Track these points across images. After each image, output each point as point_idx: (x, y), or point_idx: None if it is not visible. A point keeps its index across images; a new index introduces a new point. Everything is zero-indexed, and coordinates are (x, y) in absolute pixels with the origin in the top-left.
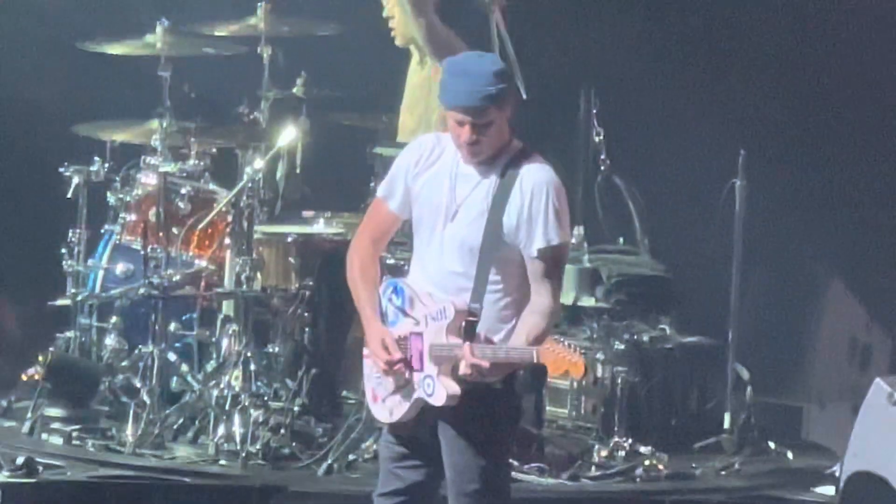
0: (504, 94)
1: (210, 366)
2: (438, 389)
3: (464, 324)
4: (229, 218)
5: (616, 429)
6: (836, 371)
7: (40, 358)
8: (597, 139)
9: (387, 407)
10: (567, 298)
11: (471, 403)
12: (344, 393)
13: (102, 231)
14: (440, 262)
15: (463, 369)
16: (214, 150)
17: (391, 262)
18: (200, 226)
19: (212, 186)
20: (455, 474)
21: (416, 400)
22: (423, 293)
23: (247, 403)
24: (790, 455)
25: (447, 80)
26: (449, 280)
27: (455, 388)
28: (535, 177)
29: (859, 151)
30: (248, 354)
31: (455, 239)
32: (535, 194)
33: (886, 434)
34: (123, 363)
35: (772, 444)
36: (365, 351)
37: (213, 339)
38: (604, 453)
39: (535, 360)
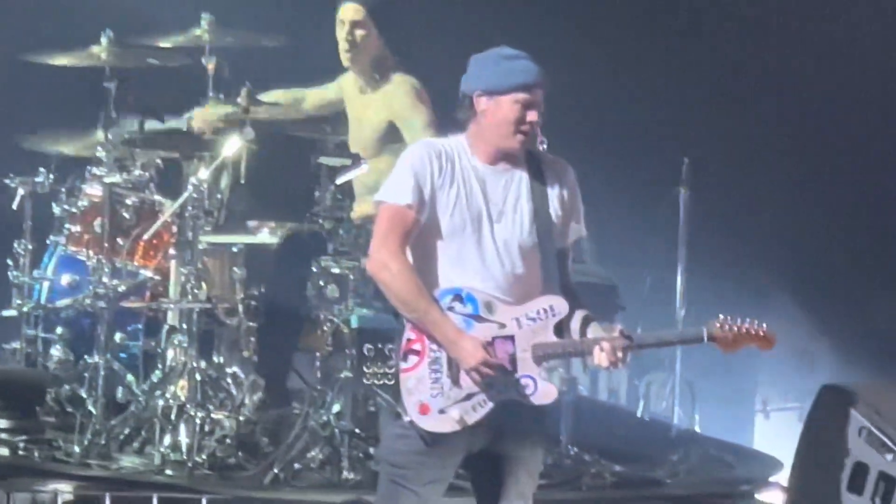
0: None
1: (156, 376)
2: (543, 388)
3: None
4: (174, 228)
5: (561, 437)
6: (781, 378)
7: None
8: (541, 148)
9: (449, 417)
10: None
11: (541, 412)
12: (291, 403)
13: (48, 242)
14: (504, 267)
15: (607, 360)
16: (159, 160)
17: (336, 271)
18: (146, 236)
19: (157, 197)
20: (530, 477)
21: (504, 402)
22: (496, 297)
23: (193, 413)
24: (736, 462)
25: (503, 64)
26: (516, 282)
27: (555, 388)
28: (566, 171)
29: (802, 157)
30: (194, 365)
31: (513, 241)
32: (570, 187)
33: (832, 440)
34: (69, 374)
35: (717, 452)
36: (406, 364)
37: (159, 350)
38: (549, 462)
39: (704, 340)
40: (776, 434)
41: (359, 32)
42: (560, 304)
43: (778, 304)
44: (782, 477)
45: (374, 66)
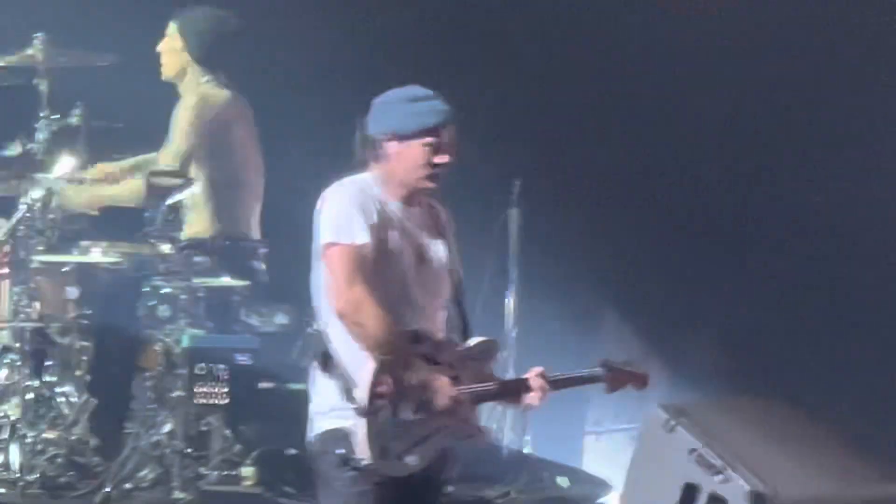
0: None
1: None
2: (482, 429)
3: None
4: (7, 248)
5: None
6: (613, 399)
7: None
8: None
9: (406, 462)
10: None
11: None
12: (122, 423)
13: None
14: (434, 303)
15: (538, 399)
16: None
17: (167, 291)
18: None
19: None
20: None
21: (447, 446)
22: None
23: (24, 432)
24: (566, 484)
25: (409, 107)
26: (439, 319)
27: (490, 429)
28: (445, 212)
29: (632, 179)
30: (26, 383)
31: (437, 280)
32: (451, 228)
33: (663, 462)
34: None
35: (548, 473)
36: (372, 408)
37: None
38: None
39: (603, 379)
40: (607, 455)
41: (163, 46)
42: (495, 346)
43: (609, 325)
44: (613, 498)
45: (178, 79)
